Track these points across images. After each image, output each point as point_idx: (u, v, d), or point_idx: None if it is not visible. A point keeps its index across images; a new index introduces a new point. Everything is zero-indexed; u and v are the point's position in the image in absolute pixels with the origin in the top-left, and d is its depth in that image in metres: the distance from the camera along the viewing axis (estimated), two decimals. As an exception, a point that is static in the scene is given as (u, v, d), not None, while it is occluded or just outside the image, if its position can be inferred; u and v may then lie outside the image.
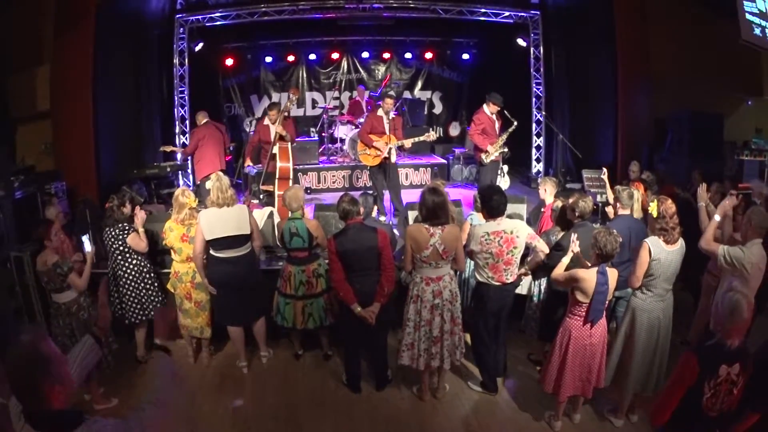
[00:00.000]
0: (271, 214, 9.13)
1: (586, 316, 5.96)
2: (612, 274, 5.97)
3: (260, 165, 12.10)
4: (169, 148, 13.80)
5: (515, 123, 11.52)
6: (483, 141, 11.46)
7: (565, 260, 6.29)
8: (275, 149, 10.53)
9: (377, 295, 6.74)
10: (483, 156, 11.48)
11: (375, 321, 6.82)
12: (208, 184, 7.92)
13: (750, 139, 11.74)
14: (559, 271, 6.22)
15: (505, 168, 12.85)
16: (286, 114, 11.08)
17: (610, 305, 7.17)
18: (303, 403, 7.19)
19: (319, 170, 15.59)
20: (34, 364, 2.87)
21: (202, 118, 12.41)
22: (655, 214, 6.15)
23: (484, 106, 11.66)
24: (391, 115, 11.41)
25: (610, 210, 7.82)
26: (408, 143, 11.43)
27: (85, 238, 6.88)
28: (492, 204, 6.51)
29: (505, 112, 11.57)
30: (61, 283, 6.67)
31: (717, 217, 6.43)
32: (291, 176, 11.01)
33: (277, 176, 10.51)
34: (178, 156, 14.23)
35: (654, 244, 5.98)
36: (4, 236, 8.78)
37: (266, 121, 11.39)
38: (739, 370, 4.19)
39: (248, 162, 11.65)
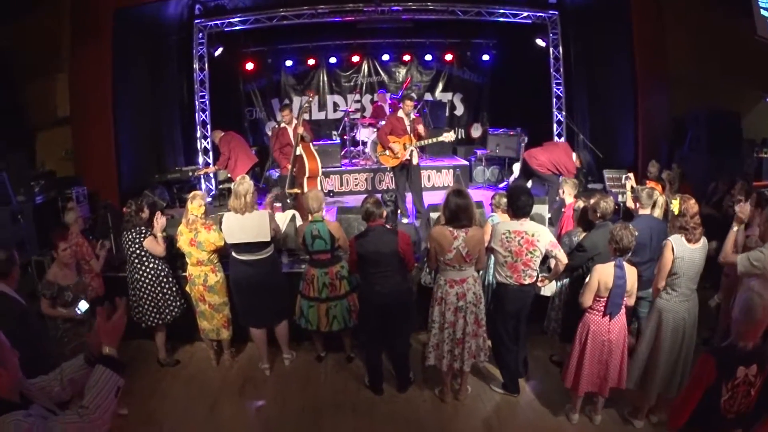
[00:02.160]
0: (293, 217, 9.12)
1: (605, 309, 6.00)
2: (630, 270, 6.01)
3: (279, 170, 12.13)
4: (202, 171, 14.00)
5: None
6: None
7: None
8: (299, 150, 10.54)
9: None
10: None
11: (396, 323, 6.90)
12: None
13: (768, 137, 11.69)
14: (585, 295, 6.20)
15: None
16: (306, 116, 11.09)
17: (633, 306, 7.16)
18: (325, 405, 7.20)
19: (341, 173, 15.58)
20: None
21: (221, 132, 12.54)
22: (676, 212, 6.13)
23: None
24: (412, 116, 11.49)
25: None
26: (420, 145, 11.54)
27: (82, 303, 6.67)
28: (519, 204, 6.50)
29: None
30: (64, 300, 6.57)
31: (734, 228, 6.37)
32: (320, 174, 11.05)
33: (306, 175, 10.51)
34: (212, 172, 14.41)
35: (677, 242, 5.95)
36: (25, 241, 8.85)
37: (283, 124, 11.39)
38: (756, 371, 4.16)
39: (286, 165, 11.56)
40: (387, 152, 11.42)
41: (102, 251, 7.82)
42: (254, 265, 7.39)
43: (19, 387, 3.16)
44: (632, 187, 8.49)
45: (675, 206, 6.16)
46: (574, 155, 12.19)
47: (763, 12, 10.06)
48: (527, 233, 6.45)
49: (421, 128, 11.52)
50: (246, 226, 7.22)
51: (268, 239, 7.36)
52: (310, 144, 10.84)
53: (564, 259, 6.66)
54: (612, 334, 6.05)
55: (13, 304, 5.30)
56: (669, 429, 4.94)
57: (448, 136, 11.86)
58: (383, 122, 13.11)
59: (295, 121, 10.89)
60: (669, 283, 6.06)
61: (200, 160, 15.01)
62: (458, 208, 6.29)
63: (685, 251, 5.92)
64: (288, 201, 10.87)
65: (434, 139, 11.86)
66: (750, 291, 4.28)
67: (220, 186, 14.68)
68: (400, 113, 11.52)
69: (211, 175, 15.13)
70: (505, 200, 7.34)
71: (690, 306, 6.11)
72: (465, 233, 6.29)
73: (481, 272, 7.03)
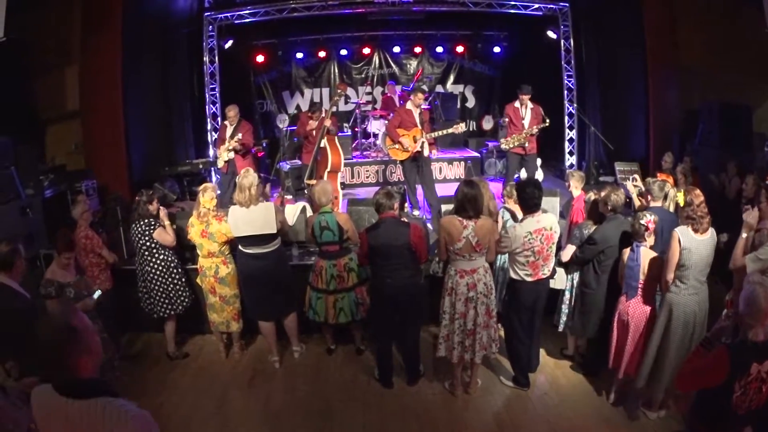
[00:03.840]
0: (304, 209, 9.10)
1: (623, 288, 6.24)
2: (646, 253, 6.18)
3: (296, 161, 12.11)
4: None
5: (547, 122, 11.58)
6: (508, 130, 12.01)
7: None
8: (323, 143, 10.55)
9: None
10: (501, 143, 12.08)
11: (407, 315, 6.90)
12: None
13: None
14: None
15: (539, 161, 12.80)
16: (335, 108, 11.08)
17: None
18: (335, 398, 7.19)
19: (352, 165, 15.60)
20: (66, 335, 2.97)
21: (238, 113, 12.02)
22: (682, 203, 6.15)
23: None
24: (421, 108, 11.49)
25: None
26: (431, 137, 11.50)
27: (97, 293, 6.62)
28: (524, 196, 6.49)
29: (541, 109, 11.66)
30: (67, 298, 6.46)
31: (743, 235, 6.33)
32: (342, 169, 11.07)
33: (328, 169, 10.53)
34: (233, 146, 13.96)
35: (683, 233, 5.92)
36: (34, 235, 8.86)
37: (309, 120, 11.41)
38: (768, 367, 4.12)
39: (306, 155, 11.44)
40: (396, 145, 11.38)
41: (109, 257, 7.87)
42: (261, 258, 7.39)
43: (100, 364, 3.28)
44: (636, 186, 8.49)
45: (680, 197, 6.18)
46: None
47: (772, 5, 9.97)
48: (546, 229, 6.47)
49: (426, 125, 11.54)
50: (251, 218, 7.22)
51: (275, 231, 7.34)
52: (336, 138, 10.86)
53: (568, 252, 6.90)
54: (631, 317, 6.24)
55: (15, 296, 5.29)
56: (675, 387, 5.00)
57: (459, 128, 11.81)
58: (393, 114, 13.13)
59: (322, 114, 10.91)
60: (678, 275, 6.02)
61: (211, 152, 15.00)
62: (465, 198, 6.30)
63: (692, 242, 5.88)
64: (305, 192, 10.85)
65: (445, 131, 11.80)
66: (752, 283, 4.24)
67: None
68: (409, 105, 11.48)
69: (219, 165, 15.12)
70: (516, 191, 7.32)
71: (700, 299, 6.07)
72: (474, 223, 6.28)
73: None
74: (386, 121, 15.36)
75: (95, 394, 2.98)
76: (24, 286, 5.54)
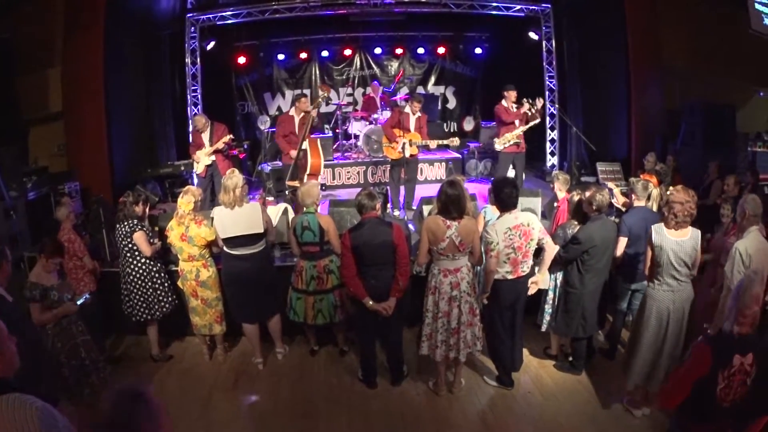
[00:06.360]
0: (285, 210, 9.11)
1: None
2: None
3: (277, 162, 12.06)
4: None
5: (539, 119, 11.62)
6: (500, 131, 12.05)
7: None
8: (305, 145, 10.52)
9: (392, 290, 6.74)
10: (496, 144, 12.00)
11: (390, 316, 6.83)
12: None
13: (762, 131, 11.64)
14: None
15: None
16: (317, 109, 11.01)
17: (629, 298, 7.23)
18: (319, 399, 7.19)
19: (333, 166, 15.53)
20: None
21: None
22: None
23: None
24: (418, 114, 11.66)
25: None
26: (433, 144, 11.63)
27: (83, 298, 6.55)
28: (502, 196, 6.52)
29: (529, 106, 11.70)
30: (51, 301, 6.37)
31: (707, 258, 6.46)
32: (321, 172, 11.08)
33: (308, 172, 10.51)
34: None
35: (657, 231, 6.00)
36: (18, 237, 8.82)
37: (291, 112, 11.33)
38: (752, 360, 4.15)
39: (288, 152, 11.33)
40: (392, 144, 11.52)
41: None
42: (247, 260, 7.38)
43: (14, 372, 3.39)
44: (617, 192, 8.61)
45: (671, 192, 6.21)
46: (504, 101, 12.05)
47: (757, 6, 10.08)
48: (523, 224, 6.51)
49: (423, 130, 11.72)
50: (238, 219, 7.22)
51: (261, 230, 7.36)
52: (317, 141, 10.87)
53: (553, 245, 6.83)
54: None
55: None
56: (659, 407, 4.97)
57: (454, 141, 11.82)
58: (375, 115, 13.14)
59: (303, 113, 10.87)
60: (654, 272, 6.09)
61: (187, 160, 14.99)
62: (448, 199, 6.34)
63: (664, 241, 5.92)
64: (287, 193, 10.82)
65: (441, 142, 11.85)
66: (746, 276, 4.29)
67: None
68: (407, 109, 11.77)
69: (199, 171, 15.04)
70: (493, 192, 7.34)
71: (675, 297, 6.05)
72: (458, 223, 6.32)
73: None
74: (367, 122, 15.45)
75: (2, 391, 3.07)
76: (7, 289, 5.49)
